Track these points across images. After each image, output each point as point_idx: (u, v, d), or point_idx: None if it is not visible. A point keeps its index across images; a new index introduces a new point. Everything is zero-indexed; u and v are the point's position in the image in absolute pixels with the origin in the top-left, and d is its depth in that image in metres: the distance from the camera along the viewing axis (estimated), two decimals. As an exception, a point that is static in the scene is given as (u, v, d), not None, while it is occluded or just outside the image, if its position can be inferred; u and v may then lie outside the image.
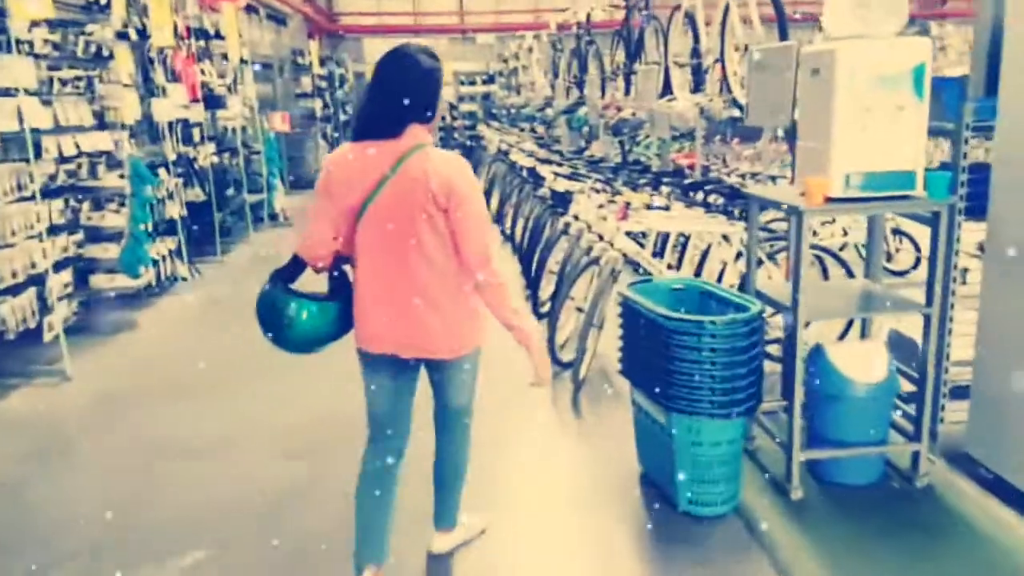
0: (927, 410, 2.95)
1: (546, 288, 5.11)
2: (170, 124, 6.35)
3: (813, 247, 4.10)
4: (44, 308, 4.55)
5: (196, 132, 7.02)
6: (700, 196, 4.50)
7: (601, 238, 4.28)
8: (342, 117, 15.08)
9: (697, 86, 5.42)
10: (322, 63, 14.06)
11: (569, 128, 8.46)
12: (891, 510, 2.85)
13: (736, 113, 4.53)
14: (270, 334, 2.24)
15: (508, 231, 6.83)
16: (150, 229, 5.57)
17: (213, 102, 7.57)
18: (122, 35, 5.53)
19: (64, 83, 4.91)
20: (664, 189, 4.73)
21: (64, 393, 4.29)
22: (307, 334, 2.25)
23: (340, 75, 15.01)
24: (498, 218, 7.74)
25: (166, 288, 6.23)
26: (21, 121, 4.20)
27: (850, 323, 4.20)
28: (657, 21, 6.23)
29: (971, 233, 3.10)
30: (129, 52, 5.65)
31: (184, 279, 6.48)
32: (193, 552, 2.74)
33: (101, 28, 5.25)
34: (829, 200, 2.73)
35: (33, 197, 4.38)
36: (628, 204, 4.22)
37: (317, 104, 13.21)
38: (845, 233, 5.88)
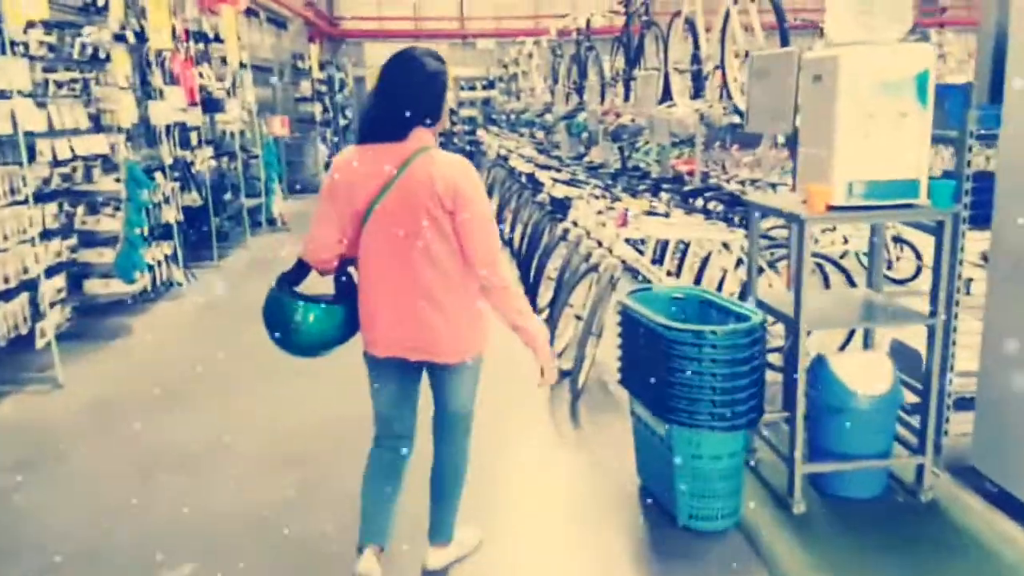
0: (931, 423, 2.90)
1: (544, 294, 5.07)
2: (167, 128, 6.31)
3: (814, 255, 4.06)
4: (37, 314, 4.50)
5: (194, 136, 6.98)
6: (700, 203, 4.47)
7: (600, 244, 4.24)
8: (342, 121, 15.06)
9: (697, 92, 5.39)
10: (322, 67, 14.04)
11: (568, 134, 8.44)
12: (895, 524, 2.80)
13: (736, 120, 4.50)
14: (277, 337, 2.25)
15: (507, 236, 6.80)
16: (145, 234, 5.52)
17: (211, 106, 7.53)
18: (119, 37, 5.48)
19: (59, 85, 4.87)
20: (664, 196, 4.70)
21: (56, 400, 4.24)
22: (313, 338, 2.27)
23: (340, 79, 15.00)
24: (497, 223, 7.69)
25: (162, 293, 6.18)
26: (15, 124, 4.16)
27: (851, 333, 4.16)
28: (657, 27, 6.21)
29: (974, 242, 3.06)
30: (127, 54, 5.61)
31: (180, 284, 6.43)
32: (186, 563, 2.70)
33: (98, 30, 5.21)
34: (831, 208, 2.69)
35: (26, 201, 4.33)
36: (627, 211, 4.17)
37: (317, 108, 13.19)
38: (845, 241, 5.83)
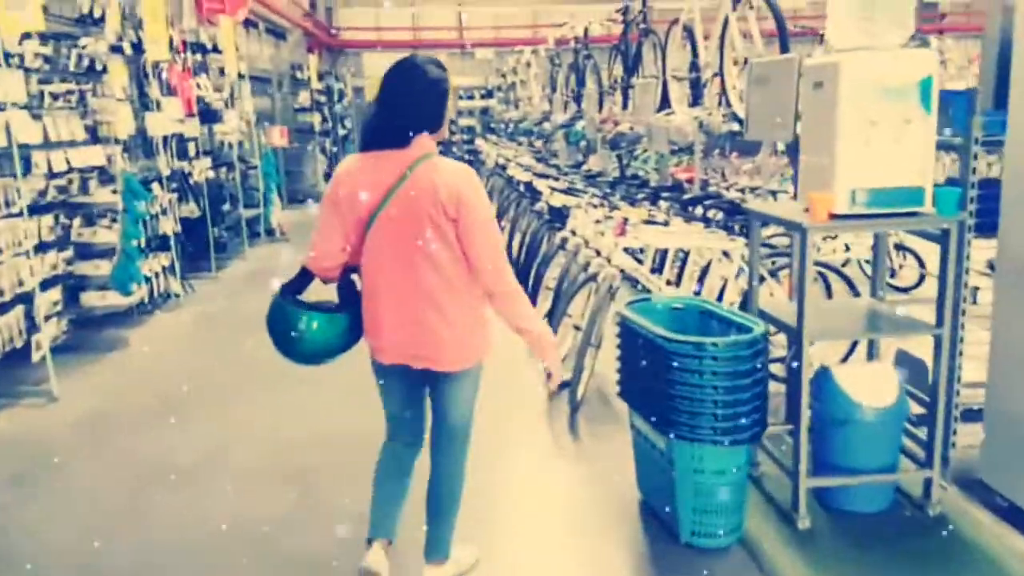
0: (939, 435, 2.84)
1: (543, 304, 5.02)
2: (165, 139, 6.28)
3: (816, 264, 4.02)
4: (32, 327, 4.46)
5: (191, 147, 6.95)
6: (699, 211, 4.43)
7: (599, 253, 4.20)
8: (341, 131, 15.07)
9: (696, 100, 5.36)
10: (321, 78, 14.05)
11: (566, 142, 8.43)
12: (902, 540, 2.74)
13: (735, 127, 4.46)
14: (280, 345, 2.26)
15: (505, 245, 6.75)
16: (143, 245, 5.48)
17: (209, 116, 7.51)
18: (116, 48, 5.47)
19: (55, 97, 4.84)
20: (663, 204, 4.66)
21: (51, 414, 4.20)
22: (317, 346, 2.27)
23: (339, 90, 15.02)
24: (497, 231, 7.66)
25: (159, 305, 6.14)
26: (9, 136, 4.13)
27: (855, 343, 4.10)
28: (655, 35, 6.19)
29: (980, 251, 3.01)
30: (123, 66, 5.59)
31: (177, 296, 6.39)
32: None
33: (95, 41, 5.19)
34: (834, 217, 2.65)
35: (20, 213, 4.30)
36: (626, 220, 4.13)
37: (316, 118, 13.19)
38: (847, 248, 5.81)
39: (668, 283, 4.53)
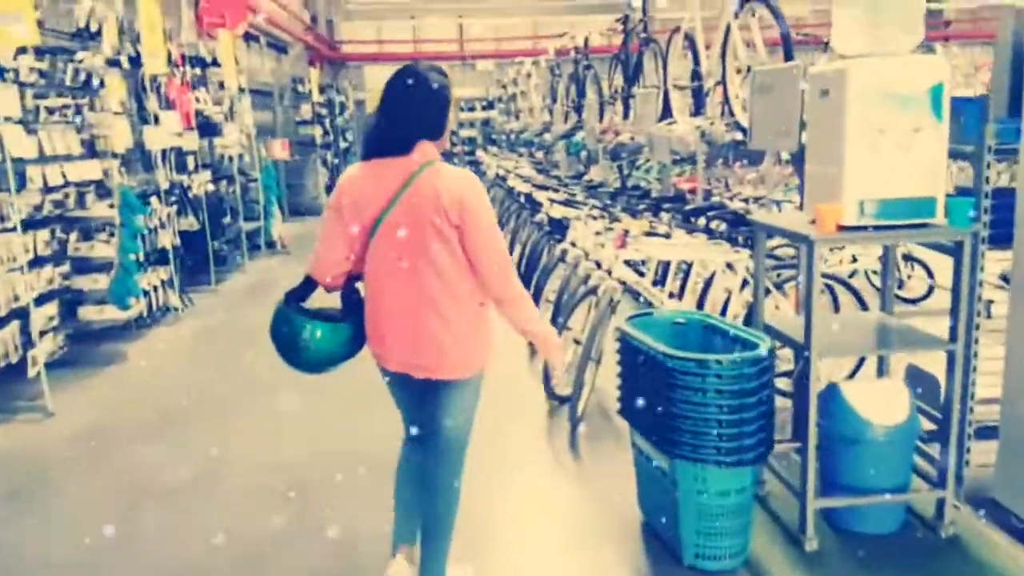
0: (952, 455, 2.75)
1: (543, 317, 4.94)
2: (163, 152, 6.24)
3: (823, 275, 3.93)
4: (28, 342, 4.41)
5: (190, 160, 6.92)
6: (702, 222, 4.35)
7: (599, 266, 4.13)
8: (342, 144, 15.07)
9: (698, 109, 5.30)
10: (322, 91, 14.06)
11: (567, 153, 8.37)
12: (914, 562, 2.66)
13: (738, 136, 4.39)
14: (283, 354, 2.26)
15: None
16: (141, 259, 5.44)
17: (208, 130, 7.49)
18: (113, 62, 5.43)
19: (51, 111, 4.81)
20: (664, 216, 4.58)
21: (47, 429, 4.15)
22: (321, 355, 2.27)
23: (340, 102, 15.03)
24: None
25: (157, 319, 6.09)
26: (3, 151, 4.09)
27: (862, 358, 4.01)
28: (656, 44, 6.13)
29: (993, 262, 2.92)
30: (121, 80, 5.56)
31: (176, 309, 6.33)
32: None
33: (91, 55, 5.16)
34: (842, 229, 2.57)
35: (14, 229, 4.25)
36: (626, 232, 4.06)
37: (317, 131, 13.18)
38: (854, 259, 5.70)
39: (671, 296, 4.45)
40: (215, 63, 7.77)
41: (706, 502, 2.58)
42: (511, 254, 6.37)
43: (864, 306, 4.09)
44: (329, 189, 13.49)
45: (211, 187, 7.41)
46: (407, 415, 2.43)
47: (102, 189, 5.36)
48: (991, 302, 3.23)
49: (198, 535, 3.01)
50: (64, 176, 4.84)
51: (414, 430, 2.45)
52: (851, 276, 5.62)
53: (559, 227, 5.07)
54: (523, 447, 3.78)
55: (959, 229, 2.59)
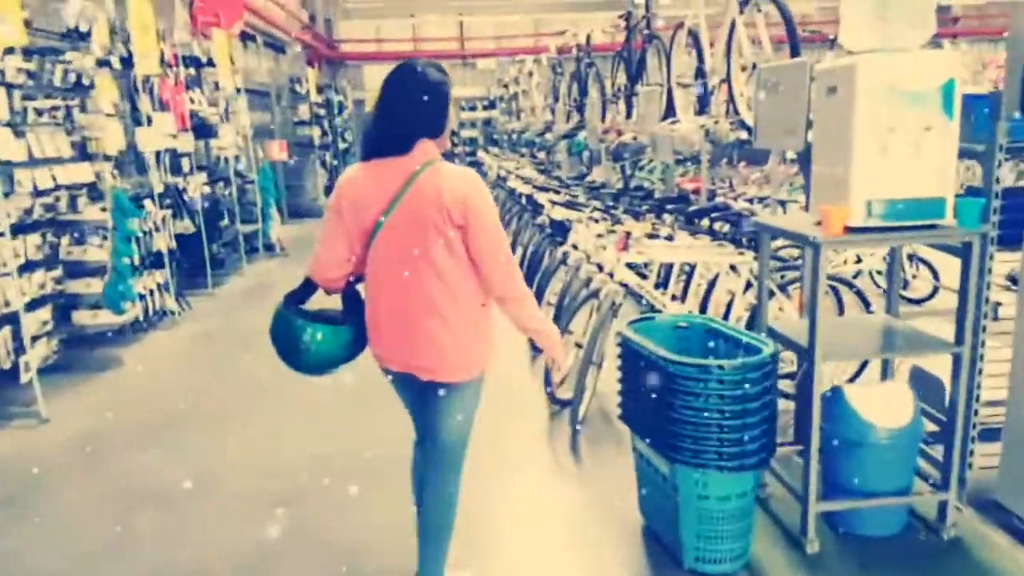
0: (956, 458, 2.71)
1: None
2: (157, 154, 6.17)
3: (827, 277, 3.85)
4: (20, 347, 4.34)
5: (185, 162, 6.84)
6: (705, 223, 4.27)
7: (601, 268, 4.06)
8: (341, 145, 14.98)
9: (702, 108, 5.21)
10: (320, 91, 13.97)
11: (569, 154, 8.29)
12: (916, 565, 2.63)
13: (743, 135, 4.31)
14: (283, 357, 2.25)
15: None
16: (135, 263, 5.37)
17: (204, 131, 7.41)
18: (104, 63, 5.36)
19: (40, 113, 4.73)
20: (667, 218, 4.50)
21: (40, 436, 4.09)
22: (321, 357, 2.25)
23: (339, 102, 14.94)
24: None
25: (154, 323, 6.02)
26: (-9, 153, 4.03)
27: (865, 361, 3.93)
28: (659, 41, 6.04)
29: (1000, 264, 2.85)
30: (112, 81, 5.48)
31: (173, 313, 6.27)
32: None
33: (81, 56, 5.08)
34: (849, 230, 2.50)
35: (3, 234, 4.17)
36: (628, 234, 3.98)
37: (315, 132, 13.09)
38: (859, 260, 5.62)
39: (673, 298, 4.38)
40: (210, 63, 7.69)
41: (707, 507, 2.54)
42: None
43: (869, 308, 4.03)
44: (328, 190, 13.47)
45: (207, 189, 7.33)
46: (416, 414, 2.42)
47: (94, 192, 5.29)
48: (998, 304, 3.16)
49: (195, 542, 2.97)
50: (54, 179, 4.77)
51: (422, 428, 2.42)
52: (855, 276, 5.55)
53: (561, 229, 5.00)
54: (524, 450, 3.73)
55: (968, 230, 2.52)
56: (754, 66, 4.19)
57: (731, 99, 4.58)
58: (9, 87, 4.44)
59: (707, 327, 2.92)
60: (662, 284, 4.52)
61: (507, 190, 7.71)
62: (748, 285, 4.09)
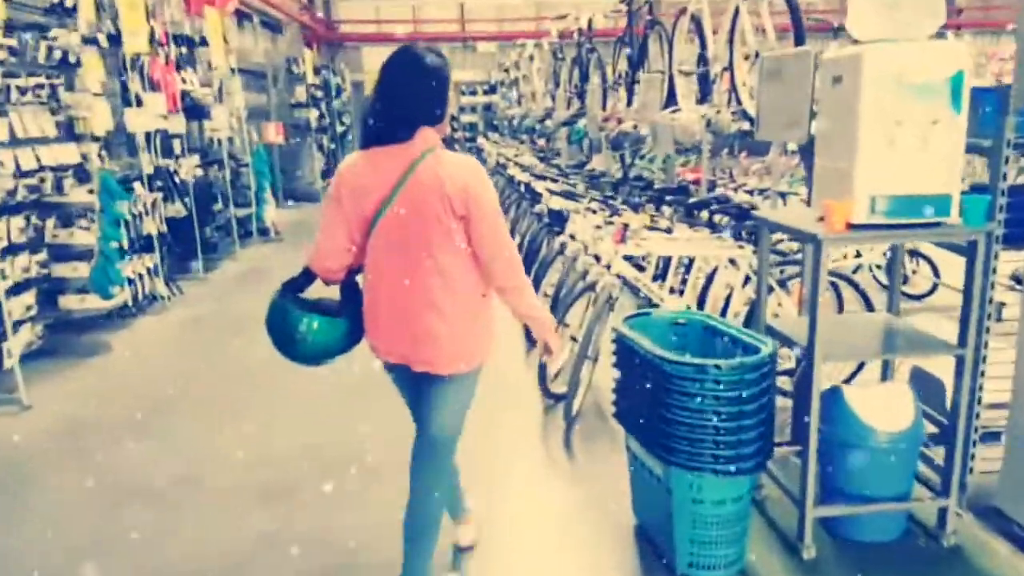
0: (957, 463, 2.65)
1: (541, 310, 4.80)
2: (148, 136, 6.05)
3: (828, 273, 3.77)
4: (3, 333, 4.25)
5: (177, 144, 6.72)
6: (705, 215, 4.19)
7: (598, 260, 3.98)
8: (339, 128, 14.80)
9: (703, 96, 5.10)
10: (318, 72, 13.77)
11: (569, 141, 8.17)
12: (915, 572, 2.59)
13: (745, 126, 4.20)
14: (279, 346, 2.23)
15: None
16: (124, 247, 5.27)
17: (197, 112, 7.27)
18: (90, 40, 5.22)
19: (23, 91, 4.60)
20: (666, 210, 4.42)
21: (22, 423, 4.01)
22: (317, 348, 2.24)
23: (337, 84, 14.74)
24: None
25: (143, 308, 5.94)
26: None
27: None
28: (661, 27, 5.91)
29: (1004, 263, 2.79)
30: (99, 59, 5.34)
31: (163, 298, 6.18)
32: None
33: (67, 33, 4.95)
34: (851, 227, 2.41)
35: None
36: (626, 226, 3.90)
37: (312, 114, 12.93)
38: (858, 254, 5.54)
39: (671, 291, 4.30)
40: (203, 42, 7.54)
41: (701, 511, 2.47)
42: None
43: (869, 305, 3.96)
44: (325, 174, 13.34)
45: (200, 172, 7.22)
46: (413, 404, 2.38)
47: (82, 173, 5.17)
48: (1002, 304, 3.09)
49: (183, 535, 2.91)
50: (38, 160, 4.65)
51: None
52: (855, 271, 5.48)
53: (558, 219, 4.92)
54: (516, 445, 3.68)
55: (974, 229, 2.44)
56: (757, 54, 4.08)
57: (733, 88, 4.47)
58: (-11, 64, 4.34)
59: (704, 324, 2.85)
60: (660, 276, 4.44)
61: (506, 177, 7.61)
62: (747, 279, 4.01)
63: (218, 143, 7.99)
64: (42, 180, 4.79)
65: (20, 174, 4.60)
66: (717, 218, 4.06)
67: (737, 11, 4.45)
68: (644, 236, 3.95)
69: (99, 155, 5.19)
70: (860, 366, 3.89)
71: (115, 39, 5.56)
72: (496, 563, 2.76)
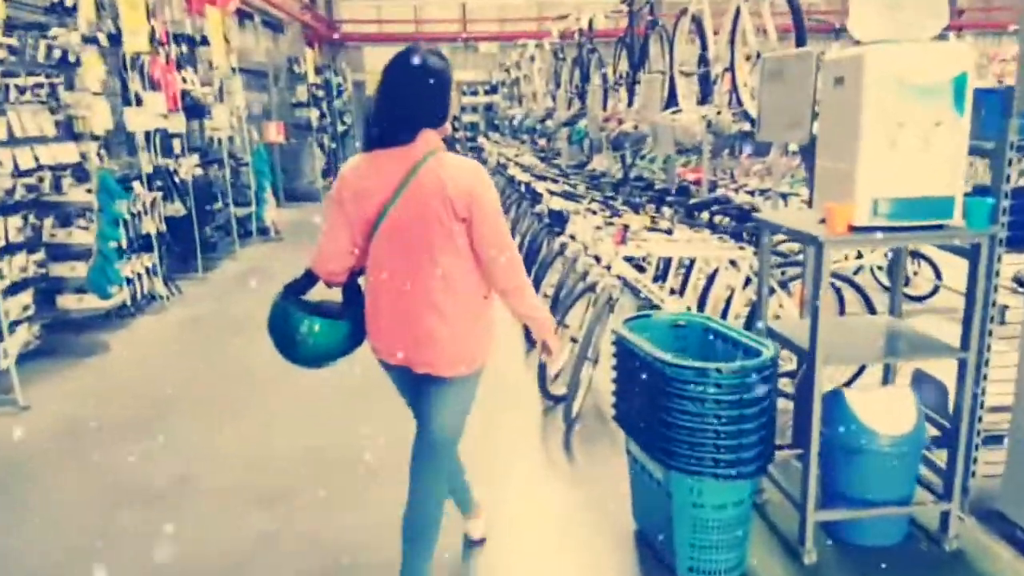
0: (959, 467, 2.64)
1: (541, 311, 4.78)
2: (147, 135, 6.03)
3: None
4: (0, 333, 4.23)
5: (177, 143, 6.71)
6: (705, 216, 4.17)
7: (598, 261, 3.96)
8: (340, 127, 14.79)
9: (704, 97, 5.08)
10: (319, 71, 13.76)
11: (569, 141, 8.15)
12: None
13: (746, 127, 4.18)
14: (280, 349, 2.23)
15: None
16: (123, 246, 5.26)
17: (197, 111, 7.26)
18: (91, 39, 5.20)
19: (22, 91, 4.59)
20: (667, 211, 4.40)
21: (19, 424, 3.98)
22: (318, 350, 2.25)
23: (338, 84, 14.73)
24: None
25: (142, 308, 5.93)
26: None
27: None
28: (662, 27, 5.89)
29: (1006, 265, 2.77)
30: (99, 58, 5.33)
31: (162, 298, 6.16)
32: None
33: (67, 32, 4.93)
34: (854, 229, 2.39)
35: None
36: (626, 227, 3.88)
37: (314, 114, 12.91)
38: (859, 255, 5.52)
39: (671, 292, 4.28)
40: (204, 42, 7.53)
41: (702, 515, 2.45)
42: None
43: (871, 307, 3.94)
44: (326, 173, 13.32)
45: (200, 171, 7.20)
46: (413, 403, 2.38)
47: (80, 173, 5.16)
48: (1005, 307, 3.06)
49: (182, 535, 2.89)
50: (36, 159, 4.64)
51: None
52: (856, 272, 5.46)
53: (559, 219, 4.91)
54: (515, 446, 3.66)
55: (977, 231, 2.42)
56: (759, 55, 4.06)
57: (734, 89, 4.45)
58: (-13, 63, 4.32)
59: (705, 326, 2.83)
60: (660, 277, 4.43)
61: (507, 177, 7.60)
62: (748, 280, 3.99)
63: (218, 142, 7.98)
64: (40, 179, 4.77)
65: (18, 173, 4.58)
66: (718, 219, 4.04)
67: (738, 11, 4.43)
68: (644, 237, 3.93)
69: (98, 154, 5.17)
70: (861, 369, 3.87)
71: (115, 38, 5.55)
72: (495, 566, 2.74)
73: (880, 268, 5.72)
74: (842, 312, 4.03)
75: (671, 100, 5.47)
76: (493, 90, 17.48)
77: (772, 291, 3.70)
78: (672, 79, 5.50)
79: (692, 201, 4.53)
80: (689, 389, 2.36)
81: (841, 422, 2.62)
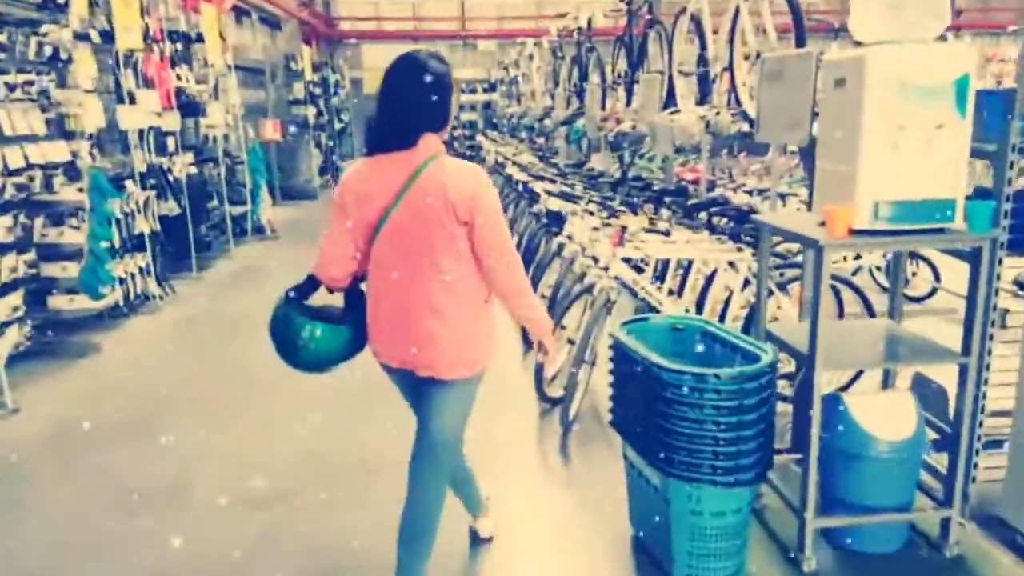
0: (960, 473, 2.61)
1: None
2: (141, 133, 5.98)
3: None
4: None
5: (171, 141, 6.65)
6: (704, 217, 4.13)
7: (596, 261, 3.92)
8: (337, 125, 14.72)
9: (703, 97, 5.04)
10: (317, 69, 13.69)
11: (567, 141, 8.11)
12: None
13: (745, 127, 4.14)
14: (281, 353, 2.24)
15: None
16: (115, 246, 5.20)
17: (191, 109, 7.20)
18: (82, 36, 5.15)
19: (11, 88, 4.53)
20: (665, 212, 4.36)
21: (9, 427, 3.95)
22: (320, 355, 2.25)
23: (335, 81, 14.67)
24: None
25: (135, 308, 5.87)
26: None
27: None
28: (661, 26, 5.85)
29: (1007, 269, 2.73)
30: (91, 55, 5.27)
31: (156, 298, 6.11)
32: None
33: (58, 29, 4.87)
34: (854, 232, 2.36)
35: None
36: (624, 228, 3.84)
37: (311, 111, 12.85)
38: (858, 256, 5.49)
39: (670, 293, 4.24)
40: (200, 39, 7.47)
41: (700, 522, 2.43)
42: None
43: (870, 308, 3.90)
44: (323, 171, 13.26)
45: (194, 170, 7.14)
46: (414, 406, 2.39)
47: (72, 171, 5.10)
48: (1007, 311, 3.04)
49: (175, 542, 2.85)
50: (26, 158, 4.58)
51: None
52: (855, 273, 5.43)
53: (557, 219, 4.87)
54: (511, 449, 3.63)
55: (979, 235, 2.39)
56: (758, 55, 4.02)
57: (733, 89, 4.42)
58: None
59: (703, 329, 2.79)
60: (659, 278, 4.39)
61: (505, 176, 7.56)
62: (746, 282, 3.96)
63: (213, 140, 7.92)
64: (31, 178, 4.72)
65: (8, 172, 4.52)
66: (716, 220, 4.00)
67: (737, 11, 4.39)
68: (642, 238, 3.89)
69: (90, 153, 5.11)
70: (859, 372, 3.85)
71: (108, 35, 5.49)
72: (491, 570, 2.72)
73: (879, 269, 5.70)
74: (841, 313, 4.00)
75: (670, 100, 5.43)
76: (492, 88, 17.44)
77: (771, 293, 3.66)
78: (671, 79, 5.46)
79: (690, 202, 4.49)
80: (688, 395, 2.32)
81: (841, 427, 2.59)
